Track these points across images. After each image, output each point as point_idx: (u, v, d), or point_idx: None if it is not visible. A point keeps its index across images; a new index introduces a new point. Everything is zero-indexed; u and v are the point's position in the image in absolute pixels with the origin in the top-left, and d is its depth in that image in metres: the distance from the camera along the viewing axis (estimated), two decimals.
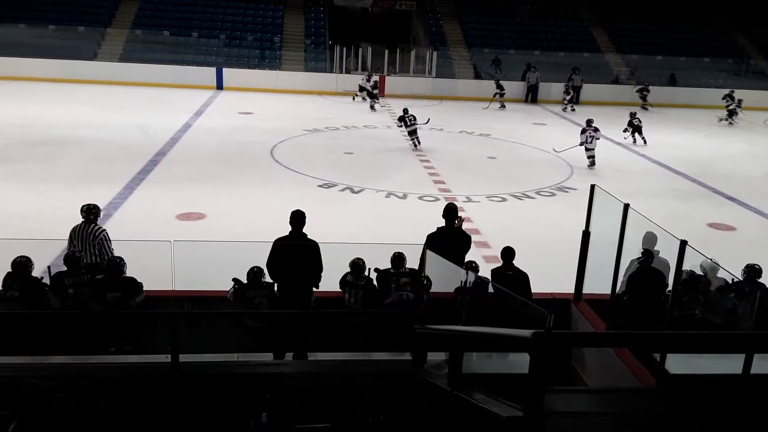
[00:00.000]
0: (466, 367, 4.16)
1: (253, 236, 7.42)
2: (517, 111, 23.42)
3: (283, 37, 27.30)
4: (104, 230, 6.74)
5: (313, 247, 5.88)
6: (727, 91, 23.57)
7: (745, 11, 30.19)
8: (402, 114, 16.36)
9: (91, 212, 6.67)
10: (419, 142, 16.15)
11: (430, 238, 6.58)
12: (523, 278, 6.31)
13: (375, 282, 6.22)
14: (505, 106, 23.54)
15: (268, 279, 5.97)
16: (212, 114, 19.87)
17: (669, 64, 27.67)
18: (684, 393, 3.63)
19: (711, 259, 5.87)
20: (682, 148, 18.11)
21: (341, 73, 26.01)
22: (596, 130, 14.96)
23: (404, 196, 12.22)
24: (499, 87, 23.77)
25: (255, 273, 5.93)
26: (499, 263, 6.55)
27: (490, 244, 9.58)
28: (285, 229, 6.01)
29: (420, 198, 12.18)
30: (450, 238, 6.61)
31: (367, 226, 10.46)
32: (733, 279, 5.98)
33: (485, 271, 6.54)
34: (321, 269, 5.94)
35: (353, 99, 23.22)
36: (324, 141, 17.06)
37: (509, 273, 6.30)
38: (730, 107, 22.17)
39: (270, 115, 19.67)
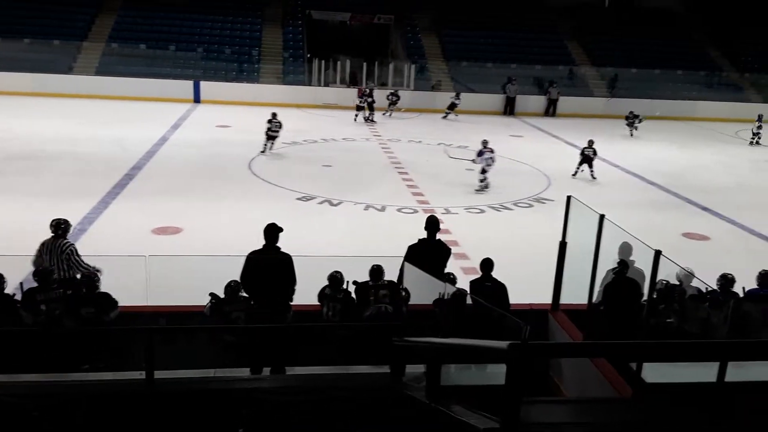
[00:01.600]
0: (444, 379, 4.15)
1: (231, 250, 7.34)
2: (495, 123, 23.62)
3: (261, 50, 27.30)
4: (72, 245, 6.62)
5: (286, 261, 5.84)
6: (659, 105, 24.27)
7: (716, 24, 30.85)
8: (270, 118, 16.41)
9: (60, 227, 6.56)
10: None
11: (411, 249, 6.58)
12: (501, 289, 6.33)
13: (353, 295, 6.19)
14: (447, 116, 23.98)
15: (246, 293, 5.92)
16: (189, 127, 19.76)
17: (643, 77, 28.12)
18: (660, 402, 3.65)
19: (685, 269, 5.94)
20: (657, 159, 18.37)
21: (320, 86, 26.06)
22: (492, 151, 14.18)
23: (383, 209, 12.22)
24: (457, 97, 24.17)
25: (232, 287, 5.87)
26: (478, 274, 6.56)
27: (468, 256, 9.60)
28: (263, 243, 5.98)
29: (398, 210, 12.19)
30: (431, 250, 6.62)
31: (346, 238, 10.44)
32: (707, 288, 6.05)
33: (464, 283, 6.56)
34: (294, 283, 5.90)
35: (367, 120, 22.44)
36: (302, 154, 17.04)
37: (488, 284, 6.32)
38: (631, 122, 22.05)
39: (248, 128, 19.57)
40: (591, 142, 15.31)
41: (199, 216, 11.22)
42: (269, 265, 5.81)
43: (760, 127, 20.68)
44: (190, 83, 24.66)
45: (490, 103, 25.89)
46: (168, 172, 14.31)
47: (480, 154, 14.06)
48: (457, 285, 6.30)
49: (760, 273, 6.42)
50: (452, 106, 24.03)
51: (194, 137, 18.17)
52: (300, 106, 24.48)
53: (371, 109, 22.15)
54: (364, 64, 26.42)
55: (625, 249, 6.37)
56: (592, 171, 15.19)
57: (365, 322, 5.88)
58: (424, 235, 6.85)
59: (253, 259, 5.82)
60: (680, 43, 30.33)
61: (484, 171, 13.94)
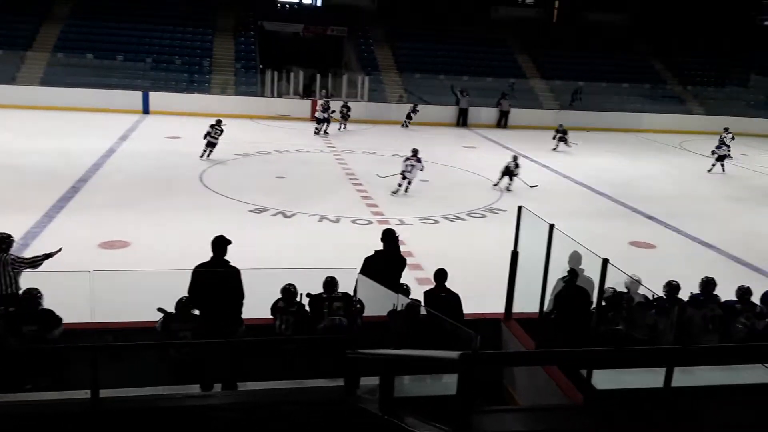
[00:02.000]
0: (398, 391, 4.13)
1: (181, 264, 7.17)
2: (448, 134, 23.89)
3: (212, 60, 27.01)
4: (13, 255, 6.40)
5: (233, 274, 5.72)
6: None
7: (660, 39, 31.96)
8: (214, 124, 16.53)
9: (3, 242, 6.33)
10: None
11: (368, 261, 6.57)
12: (454, 299, 6.36)
13: (307, 307, 6.13)
14: (407, 126, 24.52)
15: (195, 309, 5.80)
16: (138, 139, 19.35)
17: (590, 89, 28.86)
18: (610, 408, 3.72)
19: (632, 277, 6.09)
20: (605, 169, 18.84)
21: (273, 97, 25.90)
22: (418, 160, 14.54)
23: (337, 220, 12.18)
24: (414, 109, 24.62)
25: (183, 303, 5.74)
26: (432, 285, 6.59)
27: (422, 267, 9.63)
28: (211, 256, 5.87)
29: (353, 222, 12.17)
30: (388, 262, 6.62)
31: (300, 251, 10.35)
32: (653, 295, 6.22)
33: (418, 293, 6.57)
34: (242, 297, 5.79)
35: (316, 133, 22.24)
36: (255, 165, 16.87)
37: (441, 295, 6.34)
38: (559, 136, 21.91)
39: (199, 140, 19.27)
40: (515, 158, 15.78)
41: (148, 229, 10.97)
42: (216, 279, 5.69)
43: (732, 139, 21.29)
44: (138, 94, 24.18)
45: (444, 114, 26.16)
46: (115, 184, 13.96)
47: (405, 159, 14.59)
48: (411, 295, 6.31)
49: (701, 280, 6.62)
50: (409, 116, 24.54)
51: (143, 149, 17.80)
52: (253, 117, 24.27)
53: (328, 122, 22.08)
54: (318, 75, 26.41)
55: (575, 258, 6.49)
56: (510, 183, 15.48)
57: (318, 335, 5.82)
58: (379, 246, 6.85)
59: (199, 272, 5.70)
60: (626, 56, 31.30)
61: (403, 176, 14.37)
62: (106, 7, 27.39)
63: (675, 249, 11.83)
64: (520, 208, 6.91)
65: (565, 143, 21.39)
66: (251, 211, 12.42)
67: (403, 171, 14.44)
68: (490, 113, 26.71)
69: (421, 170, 14.72)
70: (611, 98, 28.74)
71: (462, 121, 26.23)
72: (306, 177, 15.94)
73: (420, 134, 23.26)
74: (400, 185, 14.45)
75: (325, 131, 21.97)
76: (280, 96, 26.15)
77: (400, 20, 30.98)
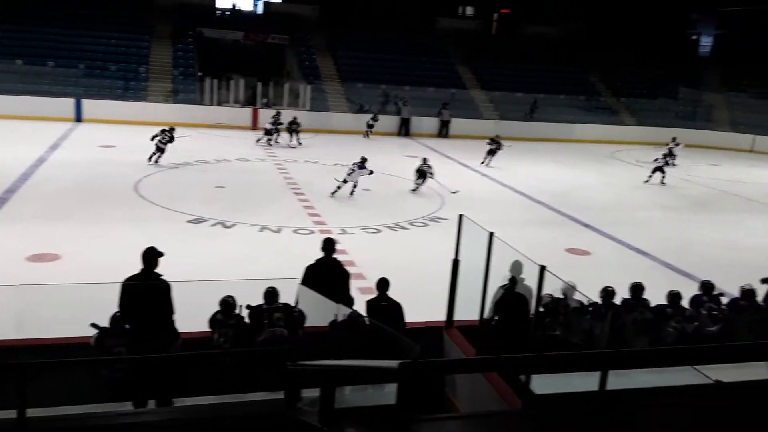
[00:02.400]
0: (340, 402, 4.09)
1: (116, 277, 6.95)
2: (390, 144, 24.01)
3: (149, 67, 26.38)
4: None
5: (162, 288, 5.55)
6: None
7: (595, 52, 33.07)
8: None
9: None
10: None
11: (309, 270, 6.51)
12: (396, 308, 6.36)
13: (247, 319, 6.01)
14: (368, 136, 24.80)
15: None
16: (70, 147, 18.70)
17: (528, 100, 29.59)
18: (547, 412, 3.77)
19: (568, 283, 6.23)
20: (543, 178, 19.30)
21: (212, 105, 25.49)
22: (362, 166, 15.16)
23: (279, 230, 12.04)
24: (374, 118, 24.80)
25: (117, 318, 5.54)
26: (375, 294, 6.57)
27: (365, 276, 9.60)
28: (141, 268, 5.70)
29: (295, 231, 12.05)
30: (329, 271, 6.57)
31: (240, 261, 10.17)
32: (589, 301, 6.38)
33: (361, 302, 6.54)
34: (171, 312, 5.62)
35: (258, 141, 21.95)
36: (193, 175, 16.53)
37: (383, 303, 6.33)
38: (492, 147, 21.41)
39: (135, 148, 18.78)
40: (425, 160, 16.57)
41: (81, 241, 10.57)
42: (146, 293, 5.52)
43: (676, 146, 22.07)
44: (71, 101, 23.39)
45: (386, 124, 26.31)
46: (46, 194, 13.42)
47: (353, 163, 15.19)
48: (355, 305, 6.28)
49: (631, 285, 6.84)
50: (371, 126, 24.89)
51: (75, 158, 17.19)
52: (192, 125, 23.79)
53: (278, 133, 21.79)
54: (259, 84, 26.15)
55: (517, 266, 6.59)
56: (422, 183, 16.21)
57: (257, 348, 5.71)
58: (321, 255, 6.79)
59: (128, 285, 5.51)
60: (562, 69, 32.26)
61: (345, 180, 14.97)
62: (37, 11, 26.42)
63: (610, 256, 12.19)
64: (460, 216, 6.98)
65: (492, 155, 20.34)
66: (189, 221, 12.15)
67: (345, 177, 14.94)
68: (431, 123, 27.05)
69: (369, 174, 15.21)
70: (547, 109, 29.51)
71: (404, 130, 26.44)
72: (246, 186, 15.71)
73: (362, 143, 23.31)
74: (339, 187, 14.87)
75: (276, 141, 21.62)
76: (220, 104, 25.77)
77: (342, 29, 31.06)
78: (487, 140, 20.69)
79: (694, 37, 39.82)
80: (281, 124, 21.89)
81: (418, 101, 27.45)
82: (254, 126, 24.88)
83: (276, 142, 21.65)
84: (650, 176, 19.62)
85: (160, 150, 16.69)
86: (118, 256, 9.76)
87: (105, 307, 5.63)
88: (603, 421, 3.51)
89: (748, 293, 7.18)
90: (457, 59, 31.68)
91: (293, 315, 6.05)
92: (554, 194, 16.93)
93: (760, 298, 7.38)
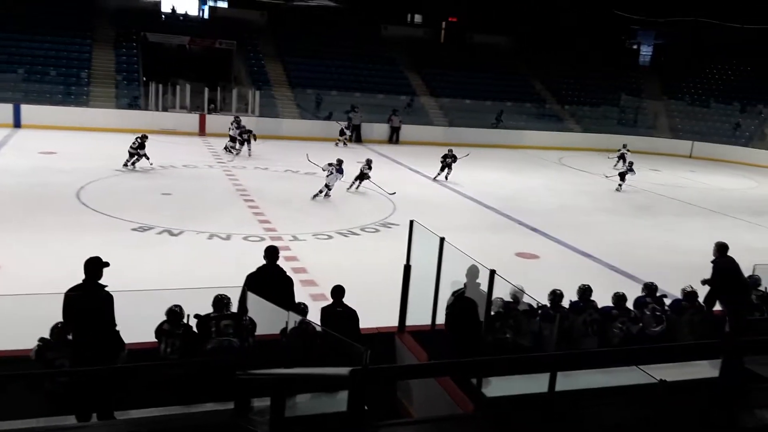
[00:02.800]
0: (291, 411, 4.03)
1: (57, 288, 6.70)
2: (341, 150, 23.94)
3: (91, 72, 25.65)
4: None
5: (105, 300, 5.37)
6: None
7: (539, 60, 33.84)
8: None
9: None
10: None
11: (250, 278, 6.39)
12: (352, 315, 6.32)
13: (195, 329, 5.87)
14: (346, 144, 24.92)
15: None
16: (7, 154, 18.01)
17: (476, 107, 30.01)
18: (498, 415, 3.80)
19: (516, 286, 6.31)
20: (492, 184, 19.57)
21: (157, 110, 24.93)
22: (340, 170, 15.72)
23: (228, 237, 11.83)
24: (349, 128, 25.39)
25: (59, 329, 5.33)
26: (328, 301, 6.52)
27: (317, 282, 9.54)
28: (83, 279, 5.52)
29: (245, 238, 11.87)
30: (272, 278, 6.47)
31: (188, 270, 9.94)
32: (538, 303, 6.47)
33: (314, 310, 6.47)
34: (113, 325, 5.45)
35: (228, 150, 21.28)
36: (139, 182, 16.12)
37: (339, 310, 6.28)
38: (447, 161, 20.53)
39: (76, 155, 18.25)
40: (368, 161, 17.18)
41: (19, 251, 10.15)
42: (88, 304, 5.33)
43: (626, 152, 22.63)
44: (9, 106, 22.54)
45: (338, 130, 26.25)
46: None
47: (328, 164, 15.69)
48: (309, 313, 6.20)
49: (579, 287, 6.98)
50: (342, 133, 25.02)
51: (13, 165, 16.55)
52: (136, 131, 23.12)
53: (241, 141, 21.18)
54: (206, 89, 25.73)
55: (473, 271, 6.63)
56: (359, 184, 16.83)
57: (206, 358, 5.58)
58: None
59: (70, 296, 5.32)
60: (508, 76, 32.87)
61: (327, 185, 15.46)
62: None
63: (557, 259, 12.42)
64: (411, 222, 7.00)
65: (449, 169, 19.21)
66: (134, 229, 11.82)
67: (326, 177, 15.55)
68: (382, 129, 27.13)
69: (341, 180, 15.67)
70: (494, 116, 29.95)
71: (355, 137, 26.43)
72: (194, 193, 15.41)
73: (313, 150, 23.14)
74: (321, 191, 15.40)
75: (237, 150, 20.94)
76: (165, 110, 25.23)
77: (290, 35, 30.89)
78: (441, 157, 19.40)
79: (635, 47, 41.22)
80: (249, 131, 21.31)
81: (368, 107, 27.50)
82: (202, 132, 24.47)
83: (237, 151, 20.95)
84: (621, 184, 19.89)
85: (130, 155, 17.07)
86: (60, 267, 9.42)
87: (46, 320, 5.42)
88: (553, 421, 3.56)
89: (689, 295, 7.42)
90: (405, 66, 31.90)
91: (243, 324, 5.94)
92: (503, 199, 17.19)
93: (701, 298, 7.64)
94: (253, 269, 6.60)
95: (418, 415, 6.07)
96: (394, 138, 27.05)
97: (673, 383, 4.36)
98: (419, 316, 7.08)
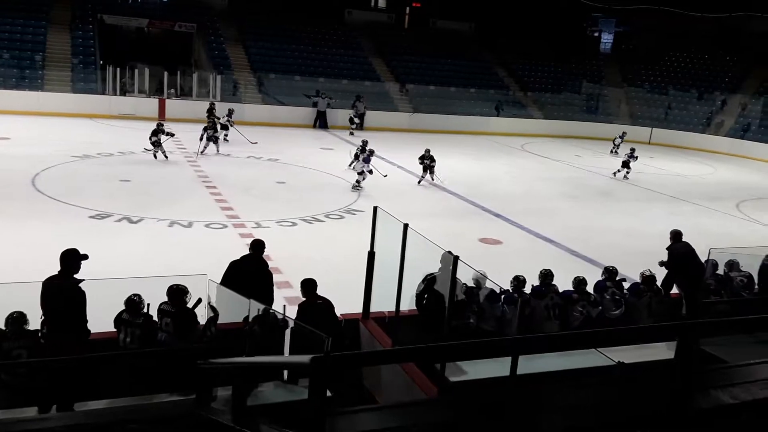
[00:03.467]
0: (253, 399, 4.00)
1: (12, 276, 6.51)
2: (305, 136, 23.76)
3: (45, 55, 24.88)
4: None
5: (76, 293, 5.26)
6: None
7: (502, 47, 34.02)
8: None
9: None
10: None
11: (233, 265, 6.37)
12: (330, 306, 6.29)
13: (156, 318, 5.75)
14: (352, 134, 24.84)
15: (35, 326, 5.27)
16: None
17: (440, 94, 30.05)
18: (461, 398, 3.82)
19: (479, 271, 6.35)
20: (456, 170, 19.63)
21: (115, 94, 24.34)
22: (366, 159, 15.90)
23: (189, 225, 11.64)
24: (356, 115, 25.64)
25: (15, 319, 5.18)
26: (291, 288, 6.50)
27: (281, 270, 9.46)
28: (50, 267, 5.39)
29: (207, 226, 11.70)
30: (253, 268, 6.43)
31: (148, 258, 9.76)
32: (500, 288, 6.53)
33: (278, 297, 6.43)
34: (84, 321, 5.38)
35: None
36: (96, 168, 15.73)
37: (319, 302, 6.23)
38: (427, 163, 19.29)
39: (31, 141, 17.71)
40: (364, 142, 17.05)
41: None
42: (62, 296, 5.28)
43: (622, 141, 22.87)
44: None
45: (302, 115, 26.04)
46: None
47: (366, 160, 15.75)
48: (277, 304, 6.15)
49: (540, 272, 7.07)
50: (352, 121, 25.48)
51: None
52: (93, 116, 22.68)
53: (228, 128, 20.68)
54: (165, 73, 25.18)
55: (447, 259, 6.63)
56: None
57: (166, 347, 5.49)
58: (234, 252, 6.65)
59: (45, 285, 5.29)
60: (472, 63, 32.97)
61: (362, 172, 15.57)
62: None
63: (520, 244, 12.57)
64: (375, 208, 6.97)
65: (431, 171, 17.23)
66: (92, 217, 11.55)
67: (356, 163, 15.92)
68: (346, 115, 26.96)
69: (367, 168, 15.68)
70: (461, 102, 30.09)
71: (320, 123, 26.21)
72: (154, 180, 15.11)
73: (276, 136, 22.94)
74: (358, 181, 15.55)
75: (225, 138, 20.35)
76: (124, 94, 24.64)
77: (251, 19, 30.43)
78: (418, 159, 17.48)
79: (596, 35, 41.75)
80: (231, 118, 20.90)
81: (331, 93, 27.29)
82: (162, 117, 23.97)
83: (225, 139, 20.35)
84: (627, 172, 20.13)
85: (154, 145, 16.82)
86: (17, 255, 9.21)
87: (4, 308, 5.27)
88: (514, 404, 3.59)
89: (647, 278, 7.59)
90: (369, 51, 31.73)
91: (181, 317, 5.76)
92: (467, 185, 17.27)
93: (659, 282, 7.82)
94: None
95: (382, 401, 6.09)
96: (359, 124, 26.92)
97: (631, 365, 4.46)
98: (384, 302, 7.09)
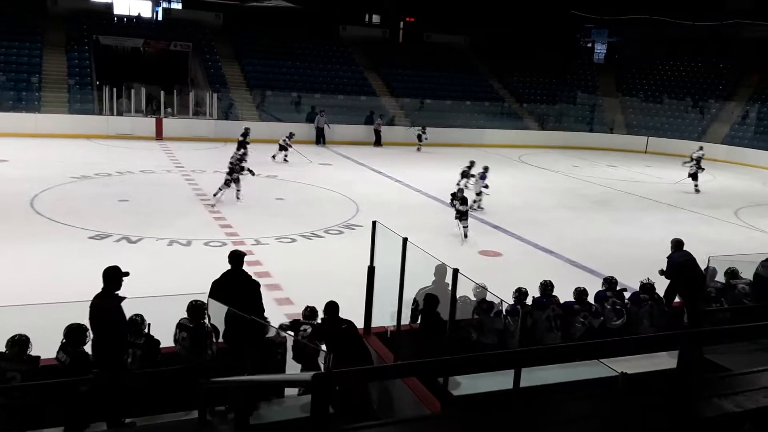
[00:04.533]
0: (256, 417, 3.98)
1: (14, 298, 6.50)
2: (304, 152, 23.79)
3: (42, 76, 24.97)
4: None
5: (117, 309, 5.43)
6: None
7: (496, 59, 34.23)
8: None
9: None
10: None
11: (215, 285, 6.30)
12: (354, 328, 6.30)
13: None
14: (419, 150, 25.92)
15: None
16: None
17: (437, 107, 30.15)
18: (465, 413, 3.81)
19: (479, 284, 6.34)
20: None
21: (112, 115, 24.39)
22: (483, 177, 16.21)
23: (188, 243, 11.63)
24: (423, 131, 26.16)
25: (14, 342, 5.15)
26: (293, 305, 6.46)
27: (281, 287, 9.46)
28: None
29: (206, 244, 11.69)
30: (236, 284, 6.38)
31: (147, 277, 9.67)
32: (501, 301, 6.52)
33: (278, 314, 6.40)
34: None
35: (273, 158, 21.15)
36: (95, 188, 15.74)
37: (344, 327, 6.21)
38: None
39: (29, 162, 17.73)
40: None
41: None
42: (106, 312, 5.42)
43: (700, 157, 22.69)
44: None
45: (300, 132, 26.05)
46: None
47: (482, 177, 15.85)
48: (274, 319, 6.10)
49: (541, 283, 7.07)
50: (420, 138, 26.09)
51: None
52: (90, 136, 22.72)
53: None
54: (162, 92, 25.27)
55: (441, 270, 6.64)
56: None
57: (167, 367, 5.47)
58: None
59: (93, 305, 5.46)
60: (467, 76, 33.14)
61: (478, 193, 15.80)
62: None
63: (519, 256, 12.55)
64: (374, 223, 6.97)
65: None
66: (91, 237, 11.54)
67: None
68: (346, 130, 26.99)
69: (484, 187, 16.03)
70: (457, 115, 30.16)
71: (321, 139, 26.21)
72: (153, 199, 15.12)
73: (275, 152, 22.93)
74: (475, 201, 15.64)
75: (285, 158, 20.96)
76: (120, 114, 24.69)
77: (246, 37, 30.60)
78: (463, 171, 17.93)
79: (589, 45, 42.02)
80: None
81: (328, 109, 27.37)
82: (159, 136, 24.04)
83: (285, 159, 20.95)
84: (696, 184, 20.33)
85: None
86: (18, 276, 9.17)
87: (4, 331, 5.24)
88: (518, 417, 3.58)
89: (648, 287, 7.58)
90: (365, 66, 31.90)
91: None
92: None
93: (660, 291, 7.81)
94: (216, 274, 6.51)
95: (384, 416, 6.05)
96: (377, 141, 27.05)
97: (634, 375, 4.44)
98: (385, 317, 7.06)
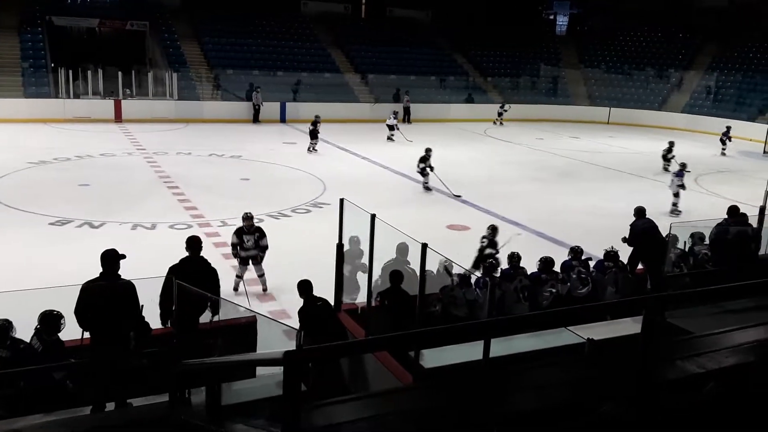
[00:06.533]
0: (227, 398, 3.96)
1: None
2: (268, 132, 23.55)
3: None
4: None
5: (124, 289, 5.54)
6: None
7: (459, 33, 34.14)
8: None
9: None
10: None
11: (172, 270, 6.22)
12: (329, 305, 6.36)
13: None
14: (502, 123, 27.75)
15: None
16: None
17: (401, 83, 29.99)
18: (436, 384, 3.86)
19: (446, 258, 6.39)
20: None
21: (68, 98, 23.72)
22: (679, 174, 14.69)
23: (153, 227, 11.46)
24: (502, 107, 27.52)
25: None
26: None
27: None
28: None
29: (171, 227, 11.53)
30: (195, 270, 6.30)
31: None
32: (470, 273, 6.59)
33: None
34: (140, 311, 5.55)
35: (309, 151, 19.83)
36: (53, 173, 15.36)
37: (319, 304, 6.21)
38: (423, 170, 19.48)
39: None
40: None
41: None
42: (109, 295, 5.44)
43: (729, 139, 23.01)
44: None
45: (264, 110, 25.71)
46: None
47: (678, 175, 14.63)
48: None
49: (508, 255, 7.15)
50: (500, 114, 28.00)
51: None
52: (47, 120, 22.09)
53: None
54: (120, 73, 24.63)
55: (402, 249, 6.67)
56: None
57: (135, 351, 5.41)
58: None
59: (87, 288, 5.43)
60: (431, 51, 33.01)
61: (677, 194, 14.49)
62: None
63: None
64: (341, 200, 6.95)
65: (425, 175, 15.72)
66: (52, 224, 11.28)
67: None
68: (309, 108, 26.68)
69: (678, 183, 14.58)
70: (422, 91, 30.07)
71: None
72: (114, 183, 14.82)
73: (237, 132, 22.67)
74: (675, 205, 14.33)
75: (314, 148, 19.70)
76: (77, 96, 24.02)
77: (205, 15, 29.95)
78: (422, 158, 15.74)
79: (551, 17, 42.15)
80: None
81: (288, 86, 27.06)
82: (118, 118, 23.50)
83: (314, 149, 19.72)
84: (723, 148, 22.73)
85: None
86: None
87: None
88: (488, 386, 3.64)
89: (612, 255, 7.74)
90: (327, 43, 31.53)
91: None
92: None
93: (623, 258, 7.98)
94: (180, 258, 6.43)
95: (357, 391, 6.09)
96: (405, 117, 26.99)
97: (600, 341, 4.55)
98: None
